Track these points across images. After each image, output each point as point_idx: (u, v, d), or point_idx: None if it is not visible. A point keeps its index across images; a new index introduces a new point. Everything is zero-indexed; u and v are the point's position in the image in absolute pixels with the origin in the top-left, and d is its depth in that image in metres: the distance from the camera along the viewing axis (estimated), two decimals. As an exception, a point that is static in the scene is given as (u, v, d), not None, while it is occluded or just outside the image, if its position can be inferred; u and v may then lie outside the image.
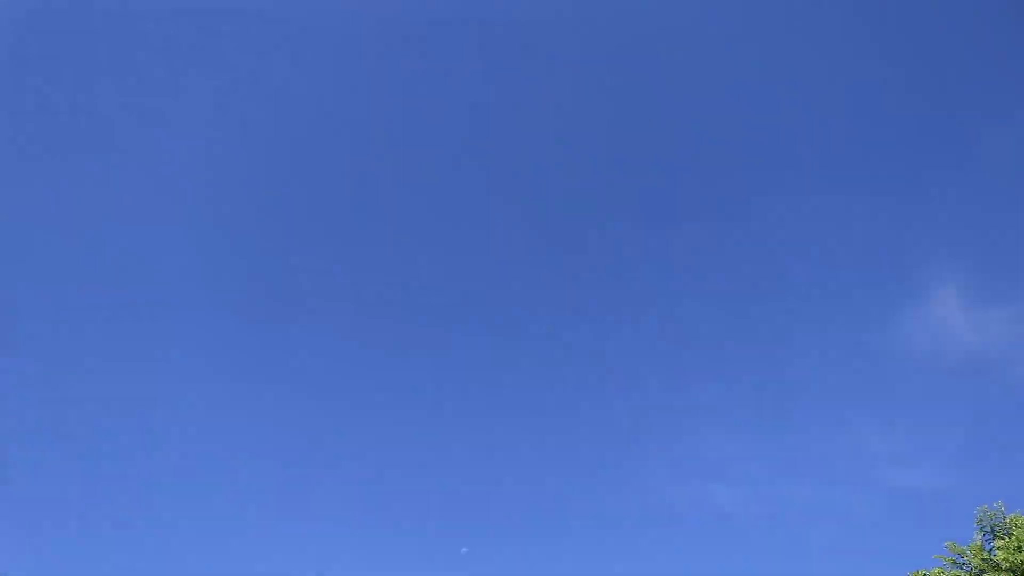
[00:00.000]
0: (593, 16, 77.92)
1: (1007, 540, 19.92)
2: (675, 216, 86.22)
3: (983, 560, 20.93)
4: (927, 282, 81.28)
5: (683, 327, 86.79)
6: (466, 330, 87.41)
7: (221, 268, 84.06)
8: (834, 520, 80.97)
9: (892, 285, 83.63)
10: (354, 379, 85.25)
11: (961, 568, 20.67)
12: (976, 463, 77.99)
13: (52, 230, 77.54)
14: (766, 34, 78.87)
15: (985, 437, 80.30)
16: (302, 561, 78.72)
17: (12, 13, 71.18)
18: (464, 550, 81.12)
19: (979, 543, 21.06)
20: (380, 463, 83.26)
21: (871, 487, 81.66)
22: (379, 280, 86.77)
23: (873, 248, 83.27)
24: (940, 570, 20.46)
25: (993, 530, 21.72)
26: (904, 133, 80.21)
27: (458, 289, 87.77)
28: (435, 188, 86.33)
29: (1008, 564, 19.03)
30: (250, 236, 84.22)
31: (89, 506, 71.51)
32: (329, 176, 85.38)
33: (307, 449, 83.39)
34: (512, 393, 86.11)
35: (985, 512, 21.47)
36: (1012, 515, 21.11)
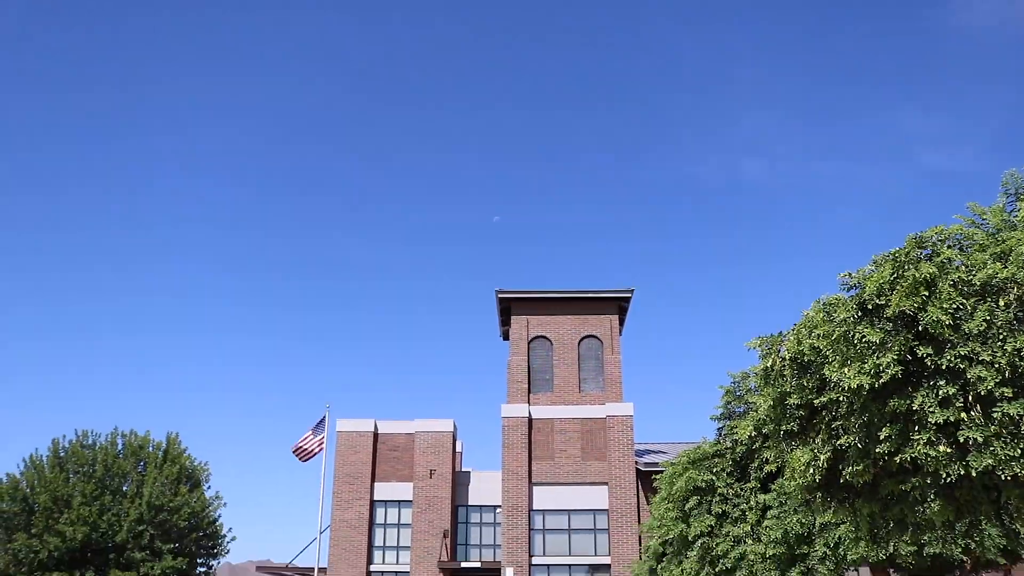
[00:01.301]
0: None
1: (1031, 196, 19.37)
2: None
3: (1002, 220, 20.60)
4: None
5: (723, 4, 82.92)
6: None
7: None
8: (863, 198, 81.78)
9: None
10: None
11: (979, 227, 20.36)
12: (1017, 147, 76.45)
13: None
14: None
15: (1029, 121, 77.85)
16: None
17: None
18: (496, 218, 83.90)
19: (1001, 204, 20.55)
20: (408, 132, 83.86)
21: (904, 167, 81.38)
22: None
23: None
24: (958, 227, 20.19)
25: (1017, 193, 21.17)
26: None
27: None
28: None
29: (1024, 219, 18.55)
30: None
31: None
32: None
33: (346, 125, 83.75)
34: (546, 73, 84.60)
35: (1012, 175, 20.67)
36: (1040, 177, 20.41)
